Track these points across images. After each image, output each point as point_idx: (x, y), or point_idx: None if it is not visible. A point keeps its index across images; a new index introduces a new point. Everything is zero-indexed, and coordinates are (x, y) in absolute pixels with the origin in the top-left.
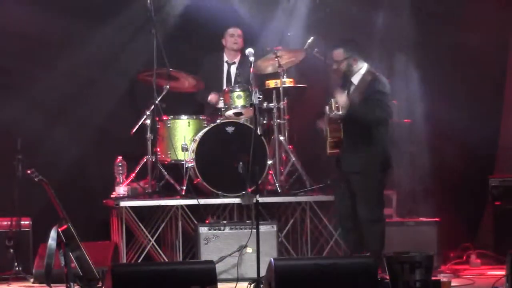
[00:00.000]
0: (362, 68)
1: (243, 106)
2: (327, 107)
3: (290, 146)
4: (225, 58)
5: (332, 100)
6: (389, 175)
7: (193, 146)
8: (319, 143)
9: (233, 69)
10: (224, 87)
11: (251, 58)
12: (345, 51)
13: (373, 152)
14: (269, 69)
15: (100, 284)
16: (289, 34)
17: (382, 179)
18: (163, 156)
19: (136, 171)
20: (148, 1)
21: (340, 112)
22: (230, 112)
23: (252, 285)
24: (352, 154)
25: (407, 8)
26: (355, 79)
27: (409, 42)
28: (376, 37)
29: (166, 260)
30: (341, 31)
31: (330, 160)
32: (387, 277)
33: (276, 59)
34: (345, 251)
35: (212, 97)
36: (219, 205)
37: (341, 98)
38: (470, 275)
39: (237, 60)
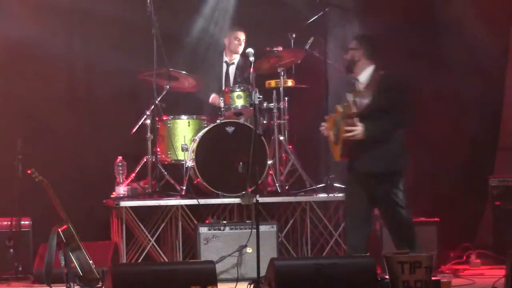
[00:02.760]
0: (370, 67)
1: (243, 106)
2: (338, 108)
3: (290, 146)
4: (225, 58)
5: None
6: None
7: (193, 146)
8: (320, 144)
9: (232, 69)
10: (223, 87)
11: (251, 58)
12: (356, 43)
13: (393, 152)
14: (269, 69)
15: (100, 284)
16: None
17: (403, 178)
18: (163, 156)
19: (136, 171)
20: (148, 1)
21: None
22: (230, 112)
23: (252, 285)
24: (370, 154)
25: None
26: (362, 77)
27: (409, 41)
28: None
29: (166, 260)
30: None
31: (330, 160)
32: (387, 277)
33: (276, 59)
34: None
35: (214, 98)
36: (219, 205)
37: (355, 132)
38: (470, 275)
39: (236, 60)
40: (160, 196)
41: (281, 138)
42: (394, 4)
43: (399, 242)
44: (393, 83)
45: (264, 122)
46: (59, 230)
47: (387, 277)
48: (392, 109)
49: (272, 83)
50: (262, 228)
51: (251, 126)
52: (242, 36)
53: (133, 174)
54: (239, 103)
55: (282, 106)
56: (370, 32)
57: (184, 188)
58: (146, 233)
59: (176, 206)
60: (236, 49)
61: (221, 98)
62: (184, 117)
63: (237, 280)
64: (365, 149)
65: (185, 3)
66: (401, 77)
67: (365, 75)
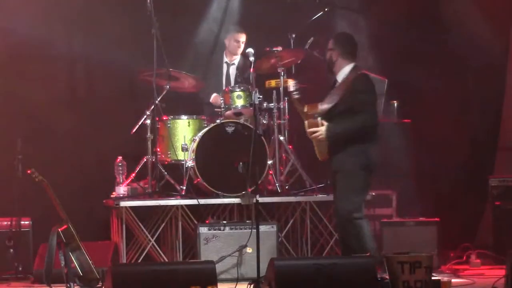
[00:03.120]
0: (347, 67)
1: (243, 106)
2: (305, 108)
3: (290, 146)
4: (225, 59)
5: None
6: (371, 176)
7: (193, 146)
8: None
9: (232, 69)
10: (223, 87)
11: (251, 58)
12: (332, 43)
13: (357, 150)
14: (269, 69)
15: (100, 284)
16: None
17: (364, 178)
18: (163, 156)
19: (136, 171)
20: (148, 1)
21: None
22: (230, 112)
23: (252, 285)
24: (338, 152)
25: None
26: (340, 77)
27: (409, 41)
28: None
29: (166, 260)
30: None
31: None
32: (387, 277)
33: (276, 59)
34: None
35: (214, 98)
36: (219, 205)
37: (318, 133)
38: (470, 275)
39: (236, 60)
40: (160, 196)
41: (281, 138)
42: (397, 4)
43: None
44: (364, 84)
45: (264, 122)
46: (59, 230)
47: (387, 277)
48: (360, 109)
49: (272, 83)
50: (262, 228)
51: (251, 126)
52: (242, 38)
53: (133, 174)
54: (239, 103)
55: (282, 106)
56: (346, 31)
57: (184, 188)
58: (146, 233)
59: (176, 206)
60: (235, 50)
61: (221, 98)
62: (184, 117)
63: (237, 280)
64: (334, 148)
65: (188, 4)
66: (371, 79)
67: (342, 75)
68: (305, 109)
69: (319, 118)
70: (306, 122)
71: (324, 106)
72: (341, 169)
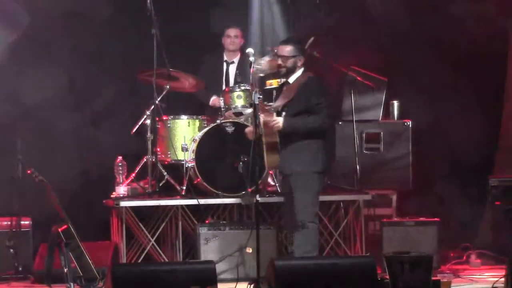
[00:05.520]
0: (300, 70)
1: (243, 106)
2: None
3: None
4: (224, 58)
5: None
6: (324, 178)
7: (193, 146)
8: None
9: (232, 68)
10: (223, 86)
11: (251, 58)
12: (294, 49)
13: (312, 152)
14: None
15: (100, 284)
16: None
17: (317, 180)
18: (163, 156)
19: (136, 171)
20: (148, 1)
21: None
22: (230, 112)
23: (252, 285)
24: (291, 155)
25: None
26: (291, 79)
27: (409, 41)
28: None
29: (166, 260)
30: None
31: (329, 161)
32: (387, 277)
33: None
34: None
35: (214, 101)
36: (219, 205)
37: (274, 121)
38: (470, 275)
39: (236, 59)
40: (160, 196)
41: None
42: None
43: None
44: (316, 86)
45: None
46: (59, 230)
47: (387, 277)
48: (312, 110)
49: (274, 83)
50: (262, 228)
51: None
52: (232, 32)
53: (133, 174)
54: (239, 103)
55: None
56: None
57: (184, 188)
58: (146, 233)
59: (176, 206)
60: (229, 47)
61: (221, 98)
62: (184, 117)
63: (237, 280)
64: (286, 152)
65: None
66: (322, 81)
67: (294, 77)
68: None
69: (274, 113)
70: (261, 114)
71: (278, 103)
72: (296, 172)
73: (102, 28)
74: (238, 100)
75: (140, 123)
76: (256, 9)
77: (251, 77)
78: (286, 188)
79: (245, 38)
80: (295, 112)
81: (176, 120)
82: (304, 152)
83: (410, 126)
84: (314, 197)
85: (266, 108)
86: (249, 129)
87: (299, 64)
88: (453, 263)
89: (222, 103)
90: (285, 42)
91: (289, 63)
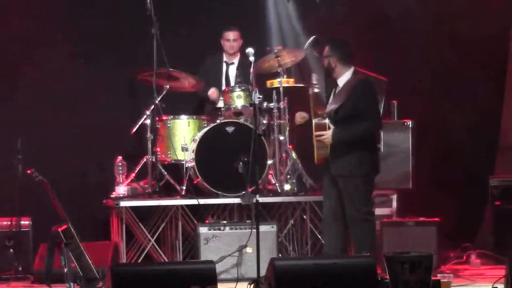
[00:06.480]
0: (347, 71)
1: (243, 106)
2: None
3: (290, 146)
4: (224, 58)
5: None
6: (373, 179)
7: (193, 146)
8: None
9: (232, 69)
10: (223, 87)
11: (251, 58)
12: (329, 49)
13: (361, 156)
14: (269, 69)
15: (100, 284)
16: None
17: (369, 182)
18: (163, 156)
19: (136, 171)
20: (148, 1)
21: (327, 121)
22: (230, 112)
23: (252, 285)
24: (340, 158)
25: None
26: (341, 81)
27: (409, 41)
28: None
29: (166, 260)
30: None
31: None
32: (387, 277)
33: (276, 59)
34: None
35: (212, 92)
36: (219, 205)
37: (323, 137)
38: (470, 275)
39: (236, 60)
40: (160, 196)
41: (281, 138)
42: (395, 3)
43: (352, 240)
44: (367, 89)
45: (264, 122)
46: (59, 230)
47: (387, 277)
48: (363, 115)
49: (275, 82)
50: (262, 228)
51: (251, 126)
52: (231, 36)
53: (133, 174)
54: (239, 103)
55: (282, 106)
56: (342, 37)
57: (184, 188)
58: (146, 233)
59: (176, 206)
60: (229, 50)
61: (221, 98)
62: (184, 117)
63: (237, 280)
64: (336, 153)
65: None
66: (372, 84)
67: (343, 79)
68: (312, 106)
69: (327, 120)
70: (314, 121)
71: (332, 107)
72: (345, 174)
73: (102, 28)
74: (238, 100)
75: (140, 123)
76: (272, 12)
77: (251, 77)
78: (329, 185)
79: (244, 38)
80: (344, 117)
81: (176, 120)
82: (351, 157)
83: (410, 126)
84: (362, 197)
85: (319, 113)
86: (299, 114)
87: (333, 64)
88: (453, 263)
89: (222, 103)
90: (326, 42)
91: (324, 62)
